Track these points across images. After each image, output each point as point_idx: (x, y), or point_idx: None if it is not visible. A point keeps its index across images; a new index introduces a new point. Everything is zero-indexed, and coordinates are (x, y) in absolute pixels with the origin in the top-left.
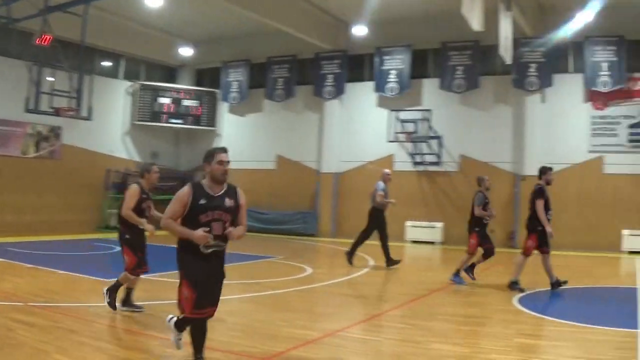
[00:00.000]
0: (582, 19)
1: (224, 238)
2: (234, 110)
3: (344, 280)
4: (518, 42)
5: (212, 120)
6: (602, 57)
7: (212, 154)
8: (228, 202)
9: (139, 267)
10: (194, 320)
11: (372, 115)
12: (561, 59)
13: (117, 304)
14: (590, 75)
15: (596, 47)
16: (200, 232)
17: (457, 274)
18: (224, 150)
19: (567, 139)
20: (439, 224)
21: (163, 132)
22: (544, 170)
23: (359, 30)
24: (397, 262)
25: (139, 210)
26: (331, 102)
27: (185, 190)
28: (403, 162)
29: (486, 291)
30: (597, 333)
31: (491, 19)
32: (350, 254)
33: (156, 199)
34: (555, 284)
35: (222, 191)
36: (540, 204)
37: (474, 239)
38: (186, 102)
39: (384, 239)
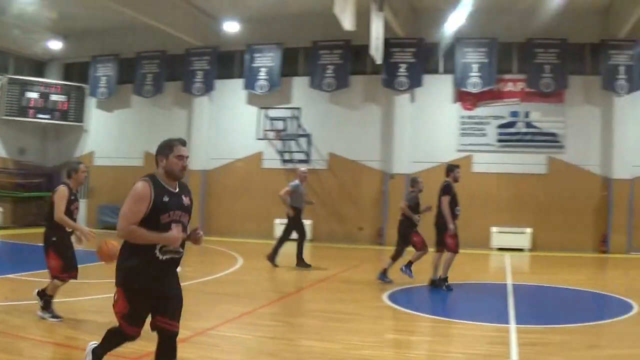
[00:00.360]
0: (454, 21)
1: (182, 243)
2: (102, 105)
3: (214, 279)
4: (389, 42)
5: (79, 116)
6: (472, 58)
7: (170, 146)
8: (185, 200)
9: (65, 270)
10: (125, 335)
11: (241, 113)
12: (431, 60)
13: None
14: (460, 76)
15: (467, 48)
16: (174, 232)
17: (408, 265)
18: (182, 142)
19: (436, 138)
20: (308, 222)
21: (30, 127)
22: (451, 168)
23: (230, 27)
24: (275, 265)
25: (68, 213)
26: (200, 99)
27: (145, 186)
28: (272, 160)
29: (356, 288)
30: (470, 328)
31: (363, 19)
32: (300, 260)
33: (22, 197)
34: (435, 282)
35: (178, 188)
36: (446, 200)
37: (417, 237)
38: (54, 97)
39: (300, 241)
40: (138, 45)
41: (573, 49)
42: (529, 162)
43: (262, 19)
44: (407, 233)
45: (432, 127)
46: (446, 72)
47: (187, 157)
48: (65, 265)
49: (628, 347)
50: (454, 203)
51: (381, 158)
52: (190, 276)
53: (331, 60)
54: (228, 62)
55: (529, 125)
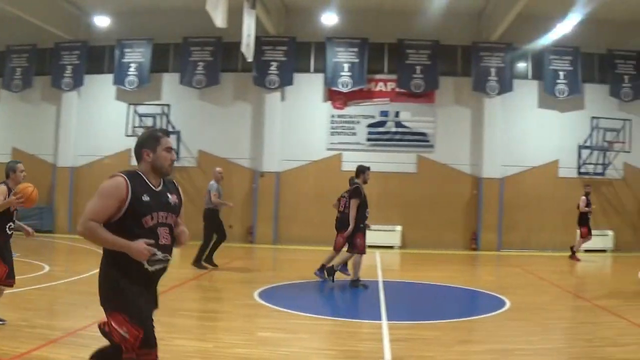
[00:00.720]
0: (327, 20)
1: (170, 249)
2: None
3: (83, 278)
4: (261, 40)
5: None
6: (343, 58)
7: (156, 138)
8: (172, 198)
9: (10, 277)
10: None
11: (110, 109)
12: (303, 59)
13: None
14: (331, 76)
15: (339, 48)
16: (140, 245)
17: (321, 269)
18: (167, 133)
19: (306, 136)
20: None
21: None
22: (362, 170)
23: (101, 21)
24: (215, 265)
25: (8, 212)
26: (69, 94)
27: (119, 182)
28: None
29: (227, 286)
30: (341, 325)
31: (235, 16)
32: (198, 261)
33: None
34: (339, 274)
35: (162, 185)
36: (355, 203)
37: (340, 239)
38: None
39: (217, 241)
40: (7, 38)
41: (445, 50)
42: (398, 161)
43: (133, 13)
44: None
45: (303, 125)
46: (317, 71)
47: (173, 149)
48: (10, 272)
49: (500, 342)
50: (364, 205)
51: (251, 156)
52: (60, 275)
53: (202, 57)
54: (98, 57)
55: (398, 124)
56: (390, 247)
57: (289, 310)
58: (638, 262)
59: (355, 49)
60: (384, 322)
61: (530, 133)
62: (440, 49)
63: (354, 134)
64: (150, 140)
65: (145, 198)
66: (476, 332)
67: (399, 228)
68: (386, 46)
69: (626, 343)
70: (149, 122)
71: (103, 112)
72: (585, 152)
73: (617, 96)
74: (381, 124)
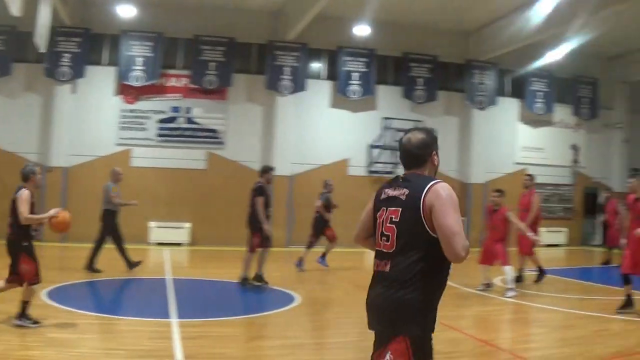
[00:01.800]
0: (124, 13)
1: None
2: None
3: None
4: (55, 30)
5: None
6: (137, 51)
7: (436, 139)
8: None
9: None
10: None
11: None
12: (97, 51)
13: None
14: (124, 69)
15: (134, 41)
16: None
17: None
18: None
19: (96, 130)
20: None
21: None
22: (266, 170)
23: None
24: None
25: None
26: None
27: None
28: None
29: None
30: (129, 324)
31: (32, 4)
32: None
33: None
34: (259, 278)
35: None
36: (260, 201)
37: (329, 231)
38: None
39: (118, 242)
40: None
41: (240, 48)
42: (188, 157)
43: None
44: (320, 227)
45: (93, 119)
46: (111, 64)
47: None
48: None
49: (293, 337)
50: (266, 204)
51: (39, 150)
52: None
53: None
54: None
55: (190, 120)
56: (179, 245)
57: (78, 310)
58: None
59: (151, 43)
60: (174, 320)
61: (322, 132)
62: (236, 46)
63: (144, 129)
64: (435, 141)
65: None
66: (269, 328)
67: (188, 225)
68: (181, 41)
69: None
70: None
71: None
72: (375, 152)
73: (410, 98)
74: (172, 119)
